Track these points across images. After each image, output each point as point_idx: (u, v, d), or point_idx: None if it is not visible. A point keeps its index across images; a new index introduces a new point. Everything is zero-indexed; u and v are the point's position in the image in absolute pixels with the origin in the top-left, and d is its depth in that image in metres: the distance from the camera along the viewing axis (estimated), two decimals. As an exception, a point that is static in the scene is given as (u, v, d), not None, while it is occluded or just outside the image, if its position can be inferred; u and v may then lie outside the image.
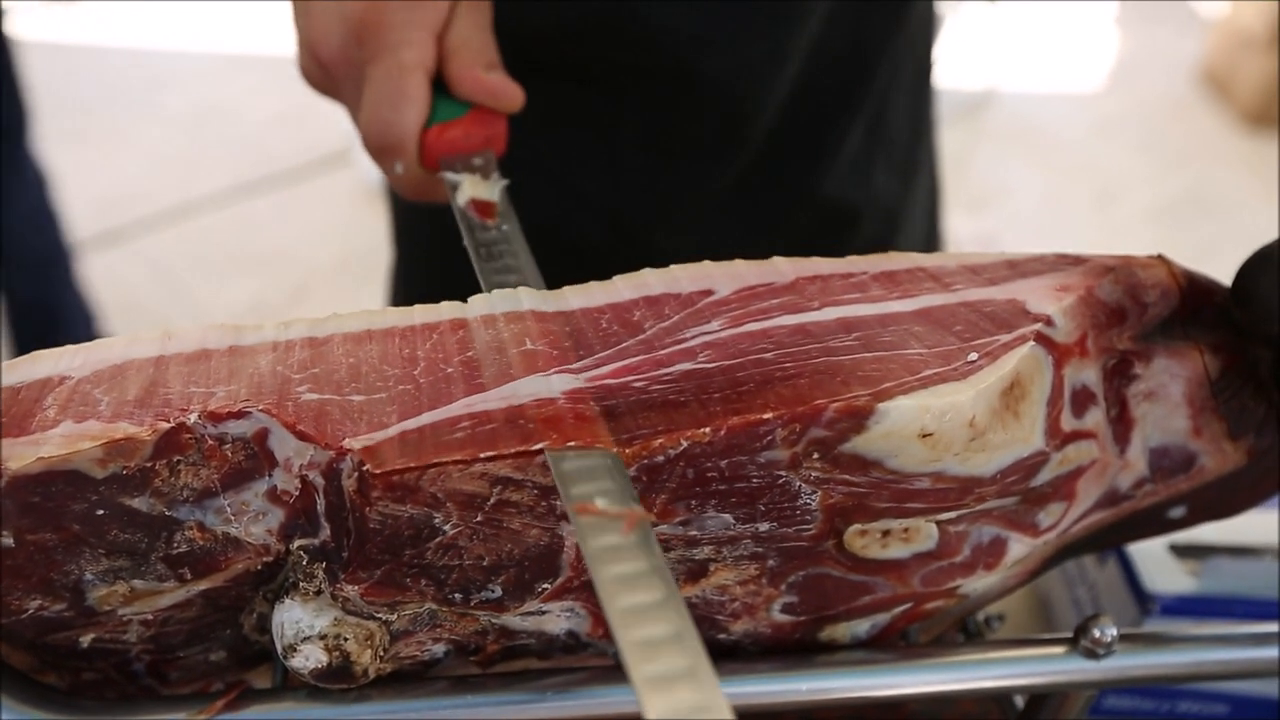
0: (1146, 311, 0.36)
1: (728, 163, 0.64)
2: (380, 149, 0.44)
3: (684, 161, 0.63)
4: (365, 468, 0.29)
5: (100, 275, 2.01)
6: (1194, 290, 0.37)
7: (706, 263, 0.37)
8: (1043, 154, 2.62)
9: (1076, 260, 0.36)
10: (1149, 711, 0.51)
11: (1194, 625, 0.37)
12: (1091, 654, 0.35)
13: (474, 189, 0.43)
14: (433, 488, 0.29)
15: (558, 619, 0.34)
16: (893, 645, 0.37)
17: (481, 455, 0.29)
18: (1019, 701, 0.41)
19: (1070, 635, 0.36)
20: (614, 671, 0.35)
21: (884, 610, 0.36)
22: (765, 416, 0.29)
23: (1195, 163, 2.50)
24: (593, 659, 0.36)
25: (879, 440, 0.30)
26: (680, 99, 0.61)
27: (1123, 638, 0.36)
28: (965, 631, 0.42)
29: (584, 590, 0.33)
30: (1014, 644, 0.37)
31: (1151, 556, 0.48)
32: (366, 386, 0.32)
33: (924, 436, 0.30)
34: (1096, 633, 0.35)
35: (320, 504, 0.31)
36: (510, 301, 0.36)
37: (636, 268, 0.36)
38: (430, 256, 0.73)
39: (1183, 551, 0.48)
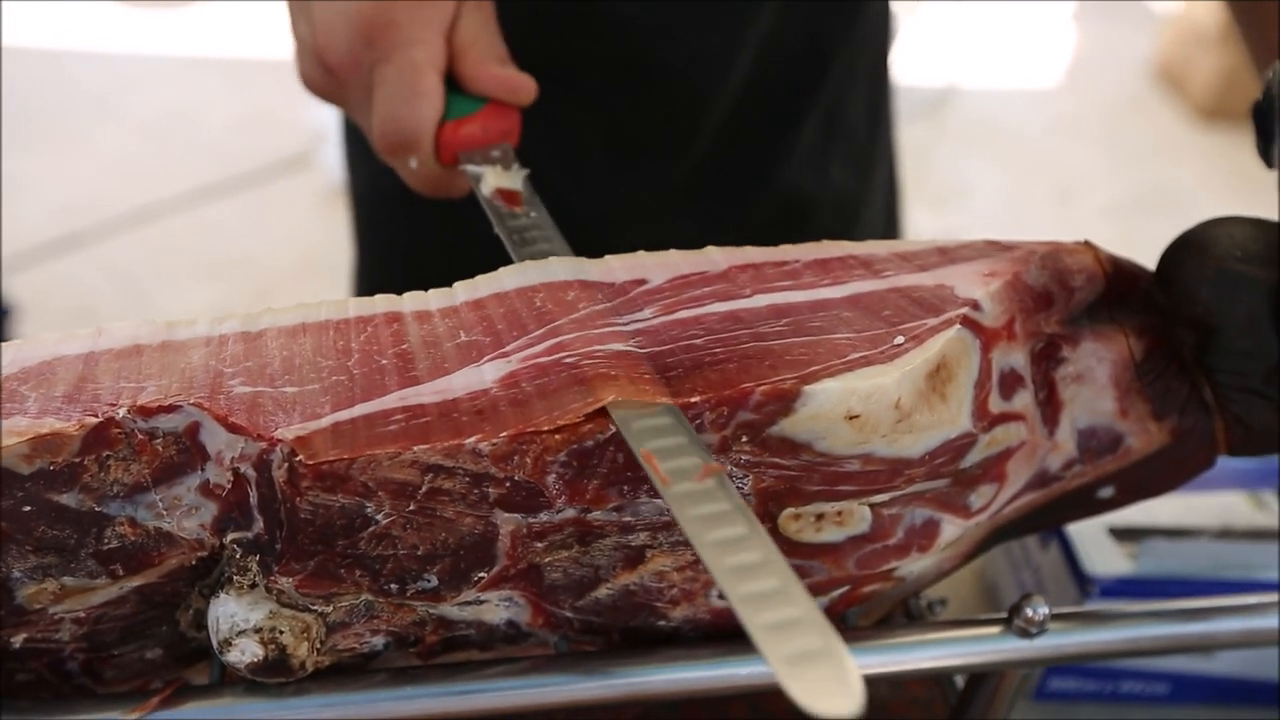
0: (1073, 296, 0.37)
1: (683, 155, 0.64)
2: (395, 145, 0.45)
3: (640, 153, 0.64)
4: (296, 458, 0.29)
5: (59, 281, 1.98)
6: (1119, 275, 0.37)
7: (641, 252, 0.37)
8: (1003, 150, 2.65)
9: (1006, 247, 0.37)
10: (1092, 693, 0.52)
11: (1128, 604, 0.38)
12: (1025, 633, 0.36)
13: (498, 179, 0.45)
14: (363, 477, 0.29)
15: (496, 609, 0.34)
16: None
17: (414, 449, 0.29)
18: (960, 681, 0.42)
19: (1005, 615, 0.37)
20: (555, 661, 0.35)
21: (821, 594, 0.36)
22: (693, 400, 0.30)
23: (1152, 158, 2.54)
24: (535, 649, 0.37)
25: (806, 422, 0.31)
26: (637, 90, 0.61)
27: (1055, 617, 0.36)
28: (909, 615, 0.43)
29: (521, 579, 0.33)
30: (950, 625, 0.37)
31: (1091, 540, 0.49)
32: (300, 378, 0.32)
33: (851, 419, 0.31)
34: (1029, 612, 0.36)
35: (253, 496, 0.31)
36: (445, 296, 0.36)
37: None
38: (394, 256, 0.72)
39: (1121, 534, 0.49)
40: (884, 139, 0.75)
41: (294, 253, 2.21)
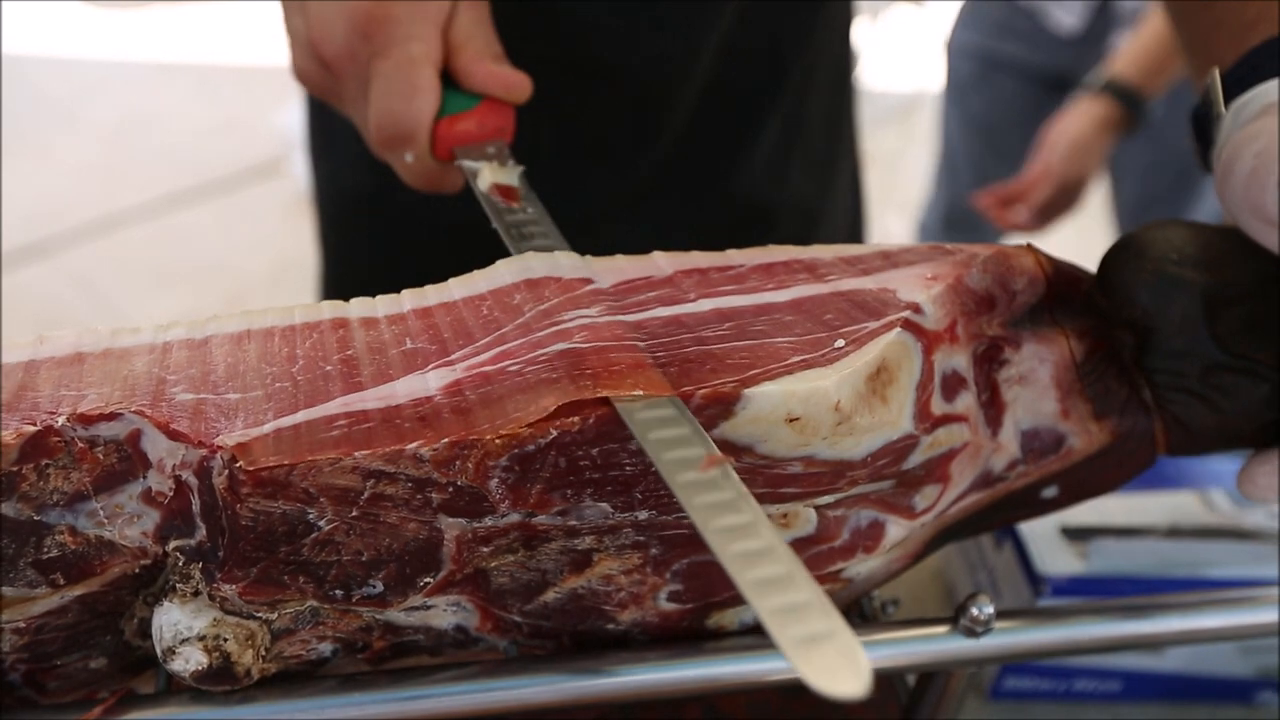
0: (1015, 299, 0.37)
1: (642, 159, 0.64)
2: (391, 140, 0.45)
3: (599, 157, 0.64)
4: (236, 465, 0.29)
5: (23, 290, 1.96)
6: (1061, 278, 0.38)
7: (588, 256, 0.38)
8: (972, 156, 2.67)
9: (949, 250, 0.38)
10: (1047, 691, 0.52)
11: (1073, 602, 0.39)
12: (971, 632, 0.37)
13: (494, 175, 0.45)
14: (304, 483, 0.29)
15: (444, 614, 0.34)
16: (780, 630, 0.37)
17: (355, 454, 0.29)
18: (911, 679, 0.42)
19: (952, 615, 0.37)
20: (505, 665, 0.35)
21: (769, 595, 0.36)
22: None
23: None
24: (485, 654, 0.37)
25: (747, 426, 0.31)
26: (596, 93, 0.61)
27: (1000, 615, 0.37)
28: (862, 615, 0.43)
29: (468, 584, 0.34)
30: (899, 625, 0.38)
31: (1044, 539, 0.49)
32: (243, 385, 0.32)
33: (791, 421, 0.31)
34: (975, 611, 0.36)
35: (195, 504, 0.31)
36: (392, 303, 0.36)
37: None
38: (360, 262, 0.72)
39: (1073, 534, 0.49)
40: (846, 145, 0.75)
41: (264, 260, 2.19)
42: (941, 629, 0.37)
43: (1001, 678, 0.52)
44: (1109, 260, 0.38)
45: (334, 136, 0.70)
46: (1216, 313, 0.36)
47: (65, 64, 2.78)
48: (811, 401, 0.31)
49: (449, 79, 0.46)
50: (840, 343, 0.33)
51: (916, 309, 0.34)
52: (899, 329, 0.33)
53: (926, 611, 0.60)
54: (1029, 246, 0.38)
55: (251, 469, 0.29)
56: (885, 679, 0.45)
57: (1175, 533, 0.49)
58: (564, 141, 0.63)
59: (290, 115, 2.36)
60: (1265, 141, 0.36)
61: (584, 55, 0.59)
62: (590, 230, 0.66)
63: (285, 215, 2.33)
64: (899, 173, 2.53)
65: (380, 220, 0.69)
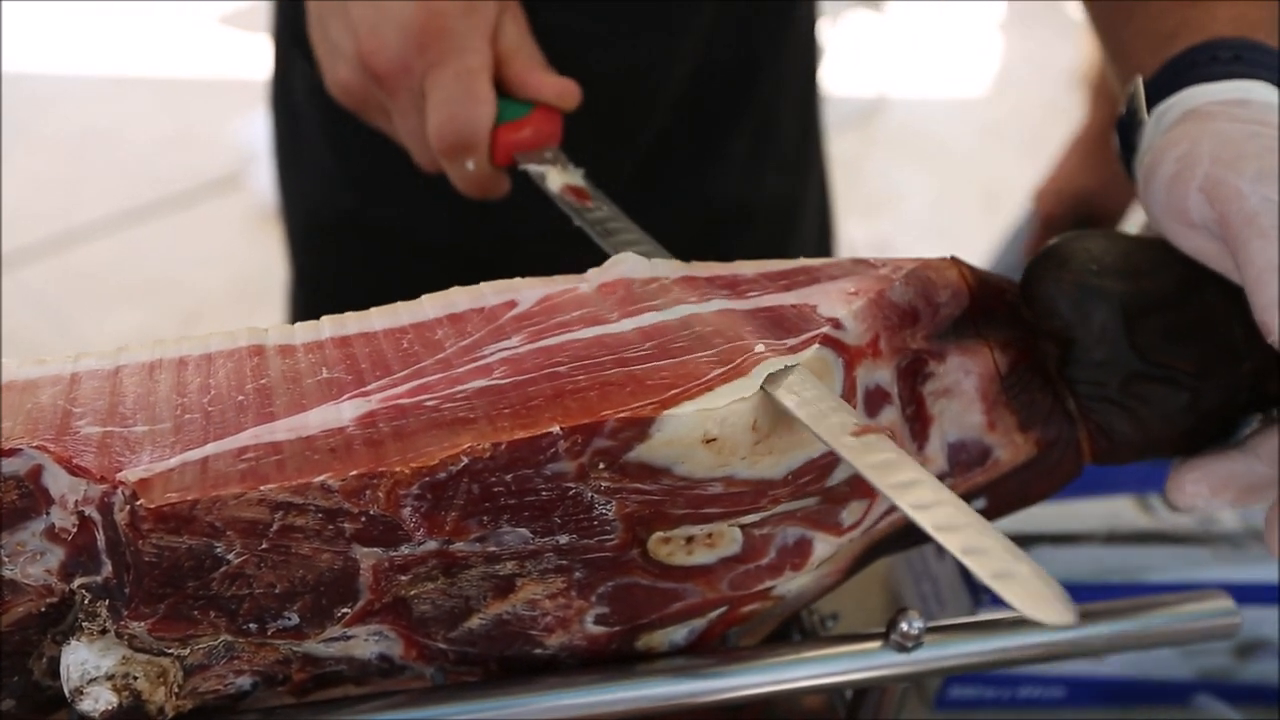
0: (939, 312, 0.37)
1: (619, 165, 0.64)
2: (454, 148, 0.46)
3: (575, 161, 0.64)
4: (137, 501, 0.28)
5: (-25, 308, 1.93)
6: (985, 290, 0.38)
7: (516, 278, 0.37)
8: (932, 159, 2.69)
9: (871, 264, 0.38)
10: (992, 699, 0.52)
11: (1006, 613, 0.39)
12: (901, 647, 0.36)
13: (562, 177, 0.47)
14: (209, 517, 0.29)
15: (366, 643, 0.34)
16: (712, 650, 0.37)
17: (261, 488, 0.29)
18: (849, 693, 0.42)
19: (883, 630, 0.37)
20: (432, 693, 0.35)
21: (698, 616, 0.36)
22: (545, 431, 0.30)
23: (1075, 164, 2.60)
24: (412, 681, 0.36)
25: (662, 448, 0.31)
26: None
27: (931, 629, 0.37)
28: (802, 630, 0.43)
29: (389, 612, 0.33)
30: (832, 641, 0.38)
31: (983, 547, 0.49)
32: (152, 417, 0.32)
33: (708, 442, 0.31)
34: (904, 626, 0.36)
35: (100, 540, 0.30)
36: (311, 330, 0.35)
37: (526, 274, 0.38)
38: (337, 286, 0.71)
39: (1013, 542, 0.49)
40: (815, 146, 0.76)
41: (223, 276, 2.17)
42: (873, 644, 0.37)
43: (947, 687, 0.52)
44: (1031, 271, 0.38)
45: (305, 156, 0.70)
46: (1136, 322, 0.36)
47: (17, 78, 2.74)
48: (728, 422, 0.31)
49: (499, 87, 0.48)
50: (760, 347, 0.33)
51: (837, 324, 0.34)
52: (818, 345, 0.33)
53: (874, 623, 0.60)
54: (953, 259, 0.38)
55: (153, 505, 0.28)
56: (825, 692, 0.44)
57: (1113, 539, 0.49)
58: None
59: (249, 128, 2.33)
60: (1186, 147, 0.36)
61: (561, 63, 0.60)
62: (569, 239, 0.65)
63: (244, 229, 2.30)
64: (861, 176, 2.54)
65: (355, 240, 0.69)
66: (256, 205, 2.31)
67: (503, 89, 0.48)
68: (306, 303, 0.75)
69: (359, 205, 0.68)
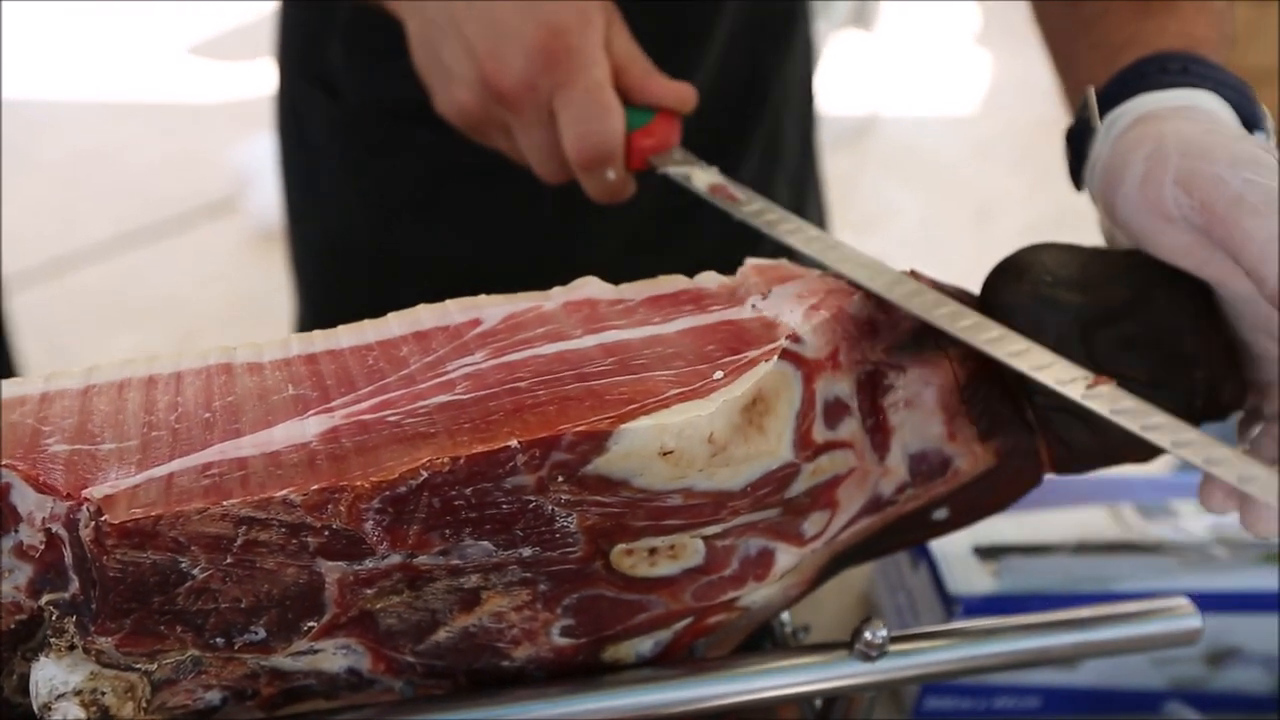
0: (899, 324, 0.38)
1: (640, 192, 0.66)
2: (594, 160, 0.47)
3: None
4: (102, 517, 0.29)
5: (-29, 334, 1.93)
6: (944, 302, 0.39)
7: (481, 295, 0.38)
8: (923, 176, 2.70)
9: (832, 278, 0.38)
10: (968, 710, 0.53)
11: (969, 622, 0.39)
12: (866, 656, 0.37)
13: (704, 177, 0.48)
14: (173, 533, 0.29)
15: (334, 657, 0.34)
16: (679, 661, 0.38)
17: (224, 503, 0.29)
18: (818, 703, 0.43)
19: (848, 640, 0.37)
20: (401, 706, 0.35)
21: (663, 627, 0.36)
22: (503, 445, 0.30)
23: (1062, 181, 2.61)
24: (381, 695, 0.36)
25: (620, 461, 0.31)
26: None
27: (895, 639, 0.37)
28: (774, 642, 0.44)
29: (355, 626, 0.33)
30: (798, 651, 0.38)
31: (957, 559, 0.50)
32: (119, 434, 0.32)
33: (665, 454, 0.31)
34: (869, 635, 0.36)
35: (68, 556, 0.30)
36: (279, 348, 0.36)
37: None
38: (339, 304, 0.72)
39: (985, 553, 0.50)
40: (813, 162, 0.78)
41: (219, 298, 2.18)
42: (839, 654, 0.37)
43: (923, 698, 0.52)
44: (990, 282, 0.39)
45: (322, 188, 0.70)
46: (1092, 332, 0.36)
47: (13, 104, 2.76)
48: (685, 435, 0.31)
49: (619, 96, 0.48)
50: (718, 374, 0.33)
51: (796, 338, 0.35)
52: (777, 359, 0.34)
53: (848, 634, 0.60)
54: (911, 271, 0.39)
55: (116, 521, 0.29)
56: (796, 701, 0.45)
57: (1083, 548, 0.49)
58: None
59: (245, 151, 2.35)
60: (1153, 145, 0.37)
61: None
62: (584, 253, 0.66)
63: (239, 252, 2.32)
64: (853, 194, 2.56)
65: (376, 272, 0.70)
66: (253, 228, 2.32)
67: (623, 97, 0.48)
68: (311, 320, 0.75)
69: (379, 235, 0.69)
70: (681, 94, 0.50)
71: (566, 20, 0.47)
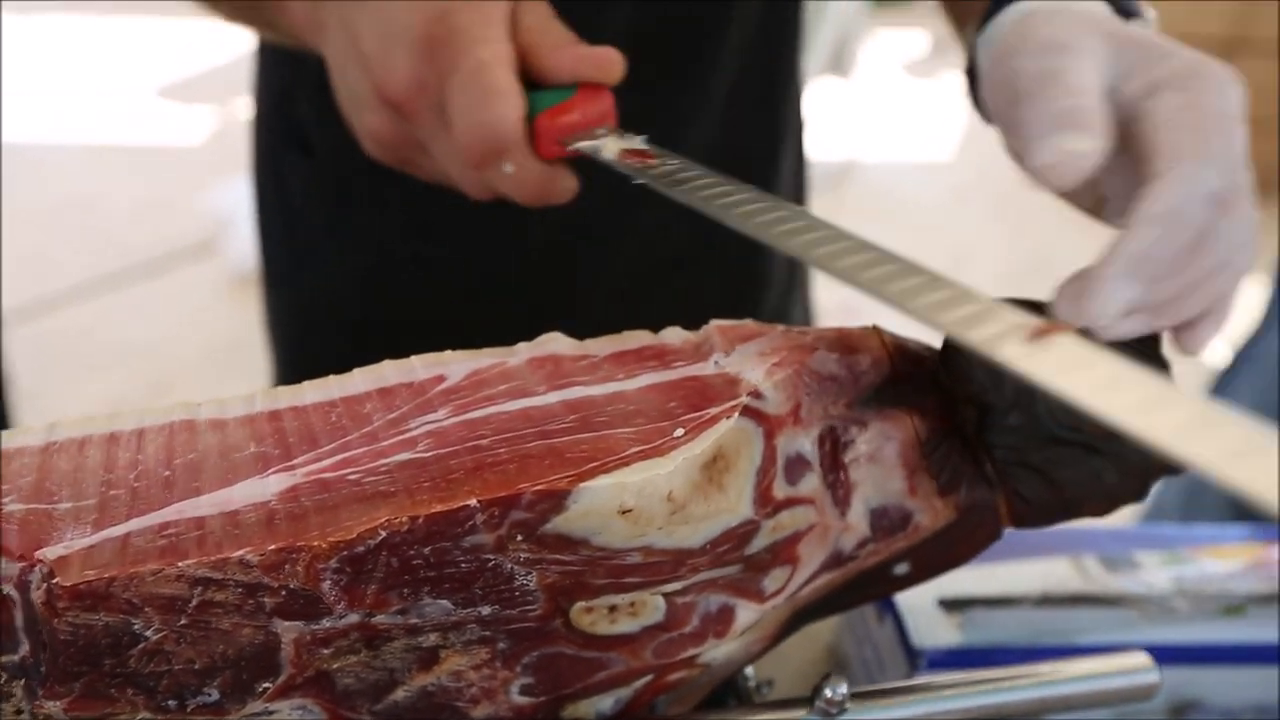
0: (860, 380, 0.38)
1: (644, 230, 0.66)
2: (483, 155, 0.41)
3: (614, 231, 0.65)
4: (54, 580, 0.29)
5: (-56, 379, 1.91)
6: (904, 357, 0.39)
7: (447, 351, 0.38)
8: (901, 221, 2.73)
9: (795, 334, 0.39)
10: (937, 763, 0.52)
11: (930, 677, 0.39)
12: (826, 714, 0.37)
13: (618, 144, 0.42)
14: (127, 594, 0.29)
15: (290, 718, 0.34)
16: (640, 719, 0.37)
17: (180, 564, 0.29)
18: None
19: (809, 695, 0.37)
20: (360, 767, 0.35)
21: (624, 684, 0.36)
22: (462, 504, 0.30)
23: (1038, 227, 2.65)
24: (340, 756, 0.36)
25: (579, 520, 0.31)
26: (600, 168, 0.63)
27: (855, 695, 0.37)
28: (738, 698, 0.43)
29: (312, 686, 0.33)
30: (759, 708, 0.38)
31: (921, 612, 0.50)
32: (77, 493, 0.32)
33: (624, 513, 0.31)
34: (828, 693, 0.36)
35: (19, 618, 0.30)
36: (243, 404, 0.36)
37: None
38: (321, 365, 0.71)
39: (950, 605, 0.50)
40: (804, 205, 0.79)
41: (195, 343, 2.17)
42: (799, 712, 0.37)
43: (893, 752, 0.52)
44: (949, 338, 0.39)
45: (302, 242, 0.69)
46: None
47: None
48: (644, 493, 0.32)
49: (535, 80, 0.43)
50: (679, 431, 0.34)
51: (757, 394, 0.35)
52: (738, 415, 0.34)
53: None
54: (874, 328, 0.39)
55: (68, 584, 0.28)
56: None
57: (1047, 600, 0.49)
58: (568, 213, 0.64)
59: (221, 195, 2.35)
60: (1046, 33, 0.38)
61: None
62: (598, 300, 0.66)
63: (217, 296, 2.31)
64: (830, 240, 2.58)
65: (358, 329, 0.69)
66: (230, 271, 2.32)
67: (540, 80, 0.42)
68: (288, 369, 0.75)
69: (360, 291, 0.68)
70: (599, 60, 0.42)
71: (448, 2, 0.41)
